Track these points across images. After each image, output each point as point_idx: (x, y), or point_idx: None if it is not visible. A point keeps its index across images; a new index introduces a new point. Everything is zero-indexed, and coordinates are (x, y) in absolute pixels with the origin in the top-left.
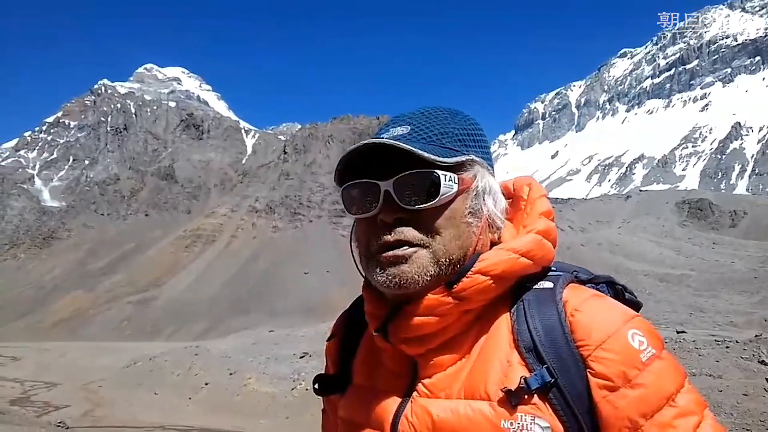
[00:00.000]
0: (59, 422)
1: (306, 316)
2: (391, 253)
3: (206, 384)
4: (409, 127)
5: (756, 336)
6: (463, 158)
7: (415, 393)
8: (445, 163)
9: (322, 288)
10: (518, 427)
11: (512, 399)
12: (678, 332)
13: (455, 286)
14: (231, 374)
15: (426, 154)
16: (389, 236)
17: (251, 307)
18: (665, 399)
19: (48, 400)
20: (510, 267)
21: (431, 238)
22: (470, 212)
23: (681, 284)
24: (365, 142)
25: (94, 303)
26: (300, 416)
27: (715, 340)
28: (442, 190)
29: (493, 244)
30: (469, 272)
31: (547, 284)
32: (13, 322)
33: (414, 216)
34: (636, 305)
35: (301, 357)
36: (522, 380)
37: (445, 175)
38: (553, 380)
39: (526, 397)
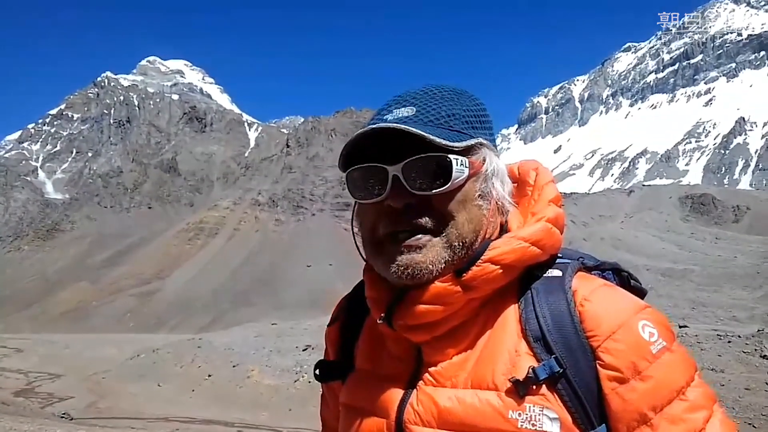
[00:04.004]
0: (63, 413)
1: (309, 308)
2: (404, 243)
3: (209, 376)
4: (415, 109)
5: (758, 331)
6: (473, 141)
7: (420, 381)
8: (455, 147)
9: (325, 281)
10: (526, 417)
11: (520, 389)
12: (680, 327)
13: (464, 274)
14: (234, 366)
15: (437, 139)
16: (400, 223)
17: (254, 300)
18: (675, 392)
19: (52, 391)
20: (520, 256)
21: (445, 224)
22: (480, 195)
23: (683, 279)
24: (374, 126)
25: (97, 295)
26: (303, 408)
27: (717, 335)
28: (454, 174)
29: (501, 227)
30: (479, 261)
31: (555, 273)
32: (17, 313)
33: (424, 201)
34: (641, 292)
35: (303, 349)
36: (530, 370)
37: (457, 159)
38: (561, 370)
39: (534, 387)
